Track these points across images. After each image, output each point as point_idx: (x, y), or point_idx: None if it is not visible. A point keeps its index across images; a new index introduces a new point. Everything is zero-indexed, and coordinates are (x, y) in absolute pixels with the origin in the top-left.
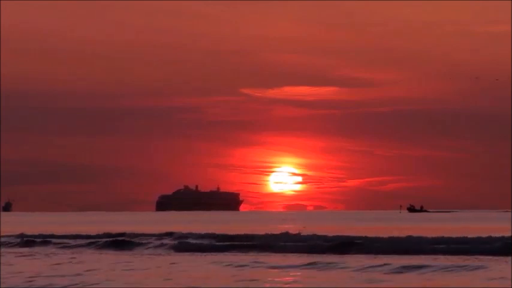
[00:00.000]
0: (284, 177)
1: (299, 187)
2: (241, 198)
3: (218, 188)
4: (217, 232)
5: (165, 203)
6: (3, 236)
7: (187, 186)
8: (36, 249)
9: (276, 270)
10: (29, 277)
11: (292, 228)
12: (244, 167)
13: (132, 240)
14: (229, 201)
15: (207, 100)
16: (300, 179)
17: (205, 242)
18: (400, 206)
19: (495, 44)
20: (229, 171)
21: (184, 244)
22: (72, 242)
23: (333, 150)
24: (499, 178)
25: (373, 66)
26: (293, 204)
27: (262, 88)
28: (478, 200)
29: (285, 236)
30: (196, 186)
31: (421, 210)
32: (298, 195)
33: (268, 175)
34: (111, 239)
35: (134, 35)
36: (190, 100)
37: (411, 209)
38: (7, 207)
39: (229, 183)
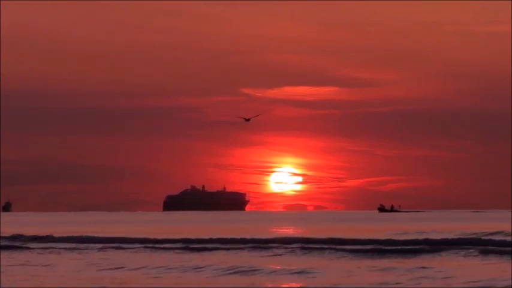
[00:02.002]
0: (284, 177)
1: (299, 187)
2: (247, 198)
3: (224, 188)
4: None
5: (172, 203)
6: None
7: (194, 186)
8: None
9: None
10: None
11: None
12: (245, 167)
13: None
14: (235, 201)
15: (207, 100)
16: (300, 179)
17: None
18: (400, 206)
19: (495, 44)
20: (230, 171)
21: None
22: None
23: (333, 150)
24: (499, 178)
25: (373, 66)
26: (293, 204)
27: (262, 88)
28: (478, 200)
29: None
30: (203, 187)
31: (392, 210)
32: (298, 195)
33: (268, 175)
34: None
35: (134, 35)
36: (190, 100)
37: (381, 209)
38: (7, 207)
39: (230, 183)
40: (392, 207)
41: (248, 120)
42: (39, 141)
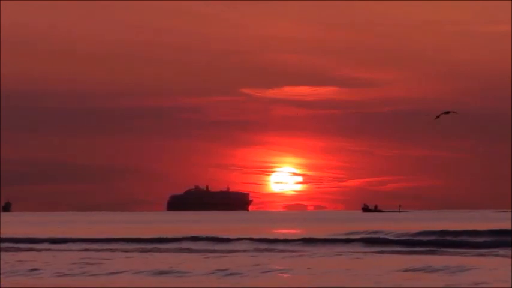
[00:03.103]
0: (284, 177)
1: (299, 187)
2: (250, 198)
3: (228, 188)
4: None
5: (176, 203)
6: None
7: (197, 187)
8: None
9: None
10: None
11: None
12: (245, 167)
13: None
14: (239, 201)
15: (207, 100)
16: (300, 179)
17: None
18: (400, 206)
19: (495, 44)
20: (231, 171)
21: None
22: None
23: (333, 150)
24: (499, 178)
25: (373, 66)
26: (293, 204)
27: (262, 88)
28: (478, 200)
29: None
30: (207, 187)
31: (375, 210)
32: (298, 195)
33: (268, 175)
34: None
35: (134, 35)
36: (190, 100)
37: (365, 209)
38: (7, 208)
39: (231, 183)
40: (376, 207)
41: (438, 117)
42: (39, 141)
